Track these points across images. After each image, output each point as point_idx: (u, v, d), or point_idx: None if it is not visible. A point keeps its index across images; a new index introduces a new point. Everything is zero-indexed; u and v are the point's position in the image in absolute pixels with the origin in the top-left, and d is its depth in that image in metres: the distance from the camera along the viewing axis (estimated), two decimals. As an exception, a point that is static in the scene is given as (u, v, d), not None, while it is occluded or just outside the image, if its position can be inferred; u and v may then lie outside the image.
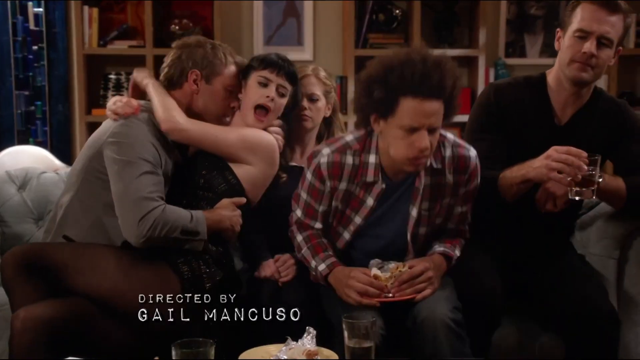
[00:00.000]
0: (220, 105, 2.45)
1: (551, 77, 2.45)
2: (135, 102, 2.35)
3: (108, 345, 2.15)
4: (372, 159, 2.25)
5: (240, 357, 1.95)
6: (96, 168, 2.29)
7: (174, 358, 1.74)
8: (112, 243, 2.27)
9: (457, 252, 2.35)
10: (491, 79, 4.47)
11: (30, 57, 4.57)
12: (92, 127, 4.43)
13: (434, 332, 2.11)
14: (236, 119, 2.53)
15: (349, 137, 2.31)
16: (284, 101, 2.46)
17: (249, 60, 2.51)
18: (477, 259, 2.35)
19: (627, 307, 2.45)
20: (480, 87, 4.43)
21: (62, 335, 2.04)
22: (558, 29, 2.41)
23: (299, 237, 2.40)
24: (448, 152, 2.26)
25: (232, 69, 2.45)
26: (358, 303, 2.18)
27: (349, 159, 2.26)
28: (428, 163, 2.22)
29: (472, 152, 2.29)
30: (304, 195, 2.37)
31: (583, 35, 2.28)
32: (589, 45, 2.26)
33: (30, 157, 3.26)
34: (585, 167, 2.13)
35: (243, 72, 2.48)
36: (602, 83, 4.49)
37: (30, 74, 4.65)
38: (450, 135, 2.31)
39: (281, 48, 4.55)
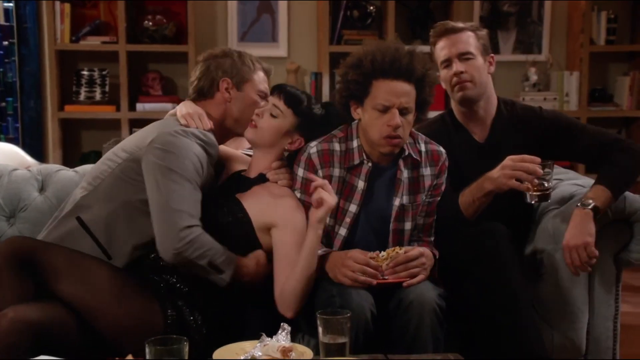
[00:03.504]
0: (254, 112, 2.43)
1: (453, 107, 2.70)
2: (207, 123, 2.37)
3: (80, 354, 2.12)
4: (354, 143, 2.37)
5: (214, 354, 1.94)
6: (133, 169, 2.28)
7: (147, 356, 1.74)
8: (119, 241, 2.27)
9: (436, 253, 2.40)
10: (465, 76, 4.50)
11: (1, 52, 4.53)
12: (65, 123, 4.42)
13: (420, 315, 2.16)
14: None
15: (334, 131, 2.43)
16: (273, 122, 2.38)
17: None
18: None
19: (597, 302, 2.48)
20: (454, 84, 4.46)
21: (45, 340, 2.01)
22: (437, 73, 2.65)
23: None
24: (423, 147, 2.42)
25: (260, 74, 2.47)
26: (353, 282, 2.21)
27: (336, 146, 2.37)
28: (407, 152, 2.36)
29: (442, 149, 2.45)
30: (298, 194, 2.36)
31: (447, 63, 2.60)
32: (455, 67, 2.57)
33: (1, 154, 3.22)
34: (541, 171, 2.26)
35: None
36: (573, 80, 4.54)
37: (1, 69, 4.61)
38: (422, 135, 2.46)
39: (256, 44, 4.56)
